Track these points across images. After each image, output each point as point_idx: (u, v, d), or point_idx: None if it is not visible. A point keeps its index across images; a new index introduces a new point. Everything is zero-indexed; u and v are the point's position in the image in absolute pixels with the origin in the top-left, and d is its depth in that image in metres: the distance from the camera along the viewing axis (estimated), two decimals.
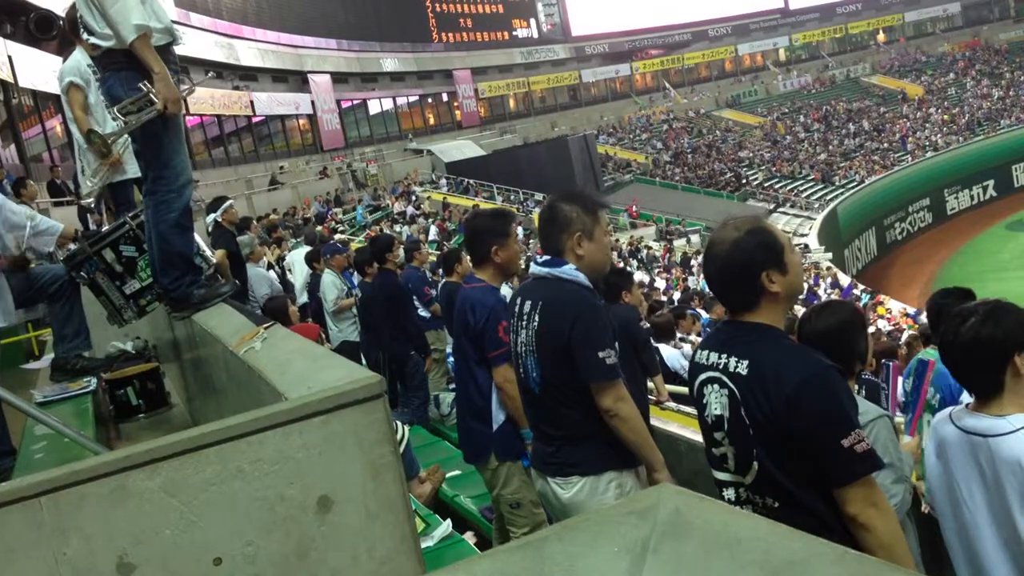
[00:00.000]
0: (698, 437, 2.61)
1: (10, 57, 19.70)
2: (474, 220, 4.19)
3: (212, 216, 7.95)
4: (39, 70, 19.91)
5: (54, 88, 18.58)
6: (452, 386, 7.79)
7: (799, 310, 8.19)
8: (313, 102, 42.53)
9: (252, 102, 38.60)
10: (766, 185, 43.09)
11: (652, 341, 8.12)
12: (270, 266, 11.10)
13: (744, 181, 43.18)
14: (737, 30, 60.50)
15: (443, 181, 38.23)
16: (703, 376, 2.46)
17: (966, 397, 2.92)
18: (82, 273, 4.14)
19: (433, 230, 27.74)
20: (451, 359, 7.92)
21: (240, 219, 9.12)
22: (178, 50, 3.83)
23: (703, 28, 59.78)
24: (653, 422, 4.53)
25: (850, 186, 42.44)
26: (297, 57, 42.19)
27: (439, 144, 44.21)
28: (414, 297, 8.39)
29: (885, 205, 42.04)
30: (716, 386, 2.40)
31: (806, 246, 32.10)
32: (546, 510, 3.69)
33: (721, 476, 2.47)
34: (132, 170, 5.27)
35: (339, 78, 44.87)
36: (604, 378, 3.03)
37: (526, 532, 3.89)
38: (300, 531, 1.64)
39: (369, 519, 1.68)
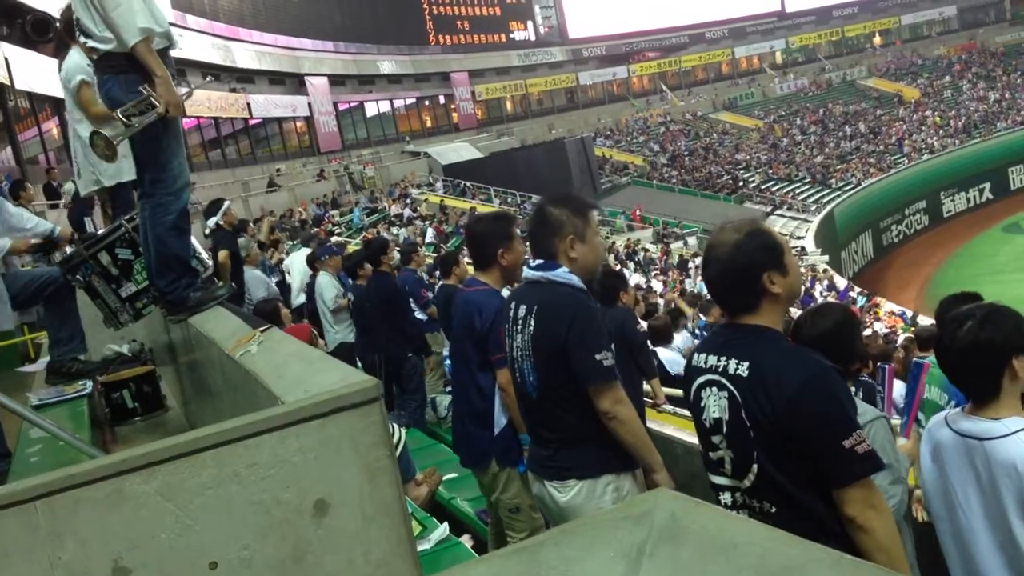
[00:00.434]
0: (695, 440, 2.61)
1: (6, 59, 19.67)
2: (477, 224, 4.18)
3: (213, 219, 7.97)
4: (36, 72, 19.88)
5: (50, 90, 18.70)
6: (449, 389, 7.80)
7: (794, 313, 8.20)
8: (310, 104, 42.51)
9: (249, 104, 38.59)
10: (763, 188, 43.13)
11: (650, 344, 8.15)
12: (271, 268, 11.13)
13: (741, 184, 43.23)
14: (734, 33, 60.58)
15: (440, 183, 38.22)
16: (701, 379, 2.46)
17: None
18: (78, 276, 4.13)
19: (430, 232, 27.75)
20: (447, 362, 7.93)
21: (238, 221, 9.14)
22: (174, 52, 3.83)
23: (700, 31, 59.85)
24: (650, 425, 4.53)
25: (847, 189, 42.49)
26: (294, 59, 42.18)
27: (436, 146, 44.22)
28: (411, 299, 8.40)
29: (881, 208, 42.09)
30: (715, 389, 2.40)
31: (803, 248, 32.13)
32: (543, 514, 3.69)
33: (718, 480, 2.47)
34: (133, 172, 5.26)
35: (336, 80, 44.87)
36: (602, 380, 3.03)
37: (524, 537, 3.89)
38: (296, 535, 1.64)
39: (365, 522, 1.68)
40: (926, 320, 19.94)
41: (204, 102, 33.66)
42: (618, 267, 21.86)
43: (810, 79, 57.71)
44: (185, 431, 1.79)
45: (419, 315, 8.56)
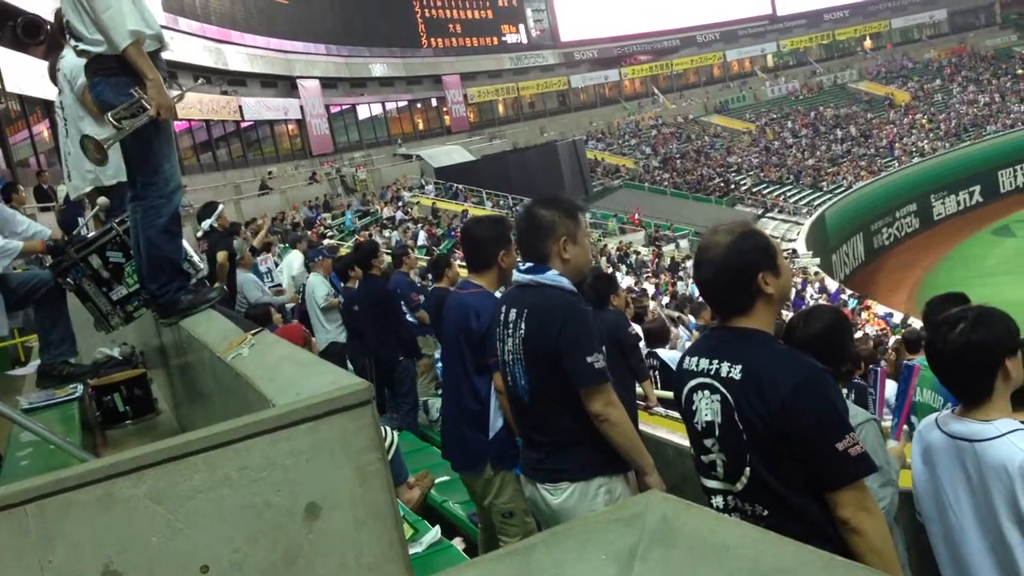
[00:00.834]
0: (686, 443, 2.61)
1: None
2: (476, 227, 4.14)
3: (207, 222, 7.96)
4: (26, 75, 19.81)
5: (41, 93, 18.61)
6: (441, 391, 7.79)
7: (785, 316, 8.21)
8: (302, 107, 42.45)
9: (240, 107, 38.52)
10: (754, 190, 43.24)
11: (648, 347, 8.16)
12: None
13: (732, 186, 43.32)
14: (725, 36, 60.73)
15: (431, 186, 38.21)
16: (693, 382, 2.46)
17: None
18: (68, 279, 4.11)
19: (422, 235, 27.72)
20: (439, 365, 7.92)
21: (230, 224, 9.15)
22: (165, 55, 3.81)
23: (692, 34, 59.98)
24: (642, 427, 4.53)
25: (838, 191, 42.63)
26: (286, 62, 42.12)
27: (428, 149, 44.21)
28: (401, 302, 8.39)
29: (872, 210, 42.22)
30: (707, 392, 2.40)
31: (794, 251, 32.22)
32: (535, 517, 3.68)
33: (710, 484, 2.46)
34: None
35: (328, 83, 44.83)
36: (593, 382, 3.03)
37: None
38: (288, 538, 1.63)
39: (357, 526, 1.68)
40: (919, 323, 19.97)
41: (195, 105, 33.59)
42: (610, 270, 21.87)
43: (801, 82, 57.88)
44: (176, 434, 1.78)
45: (408, 318, 8.55)
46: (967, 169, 45.56)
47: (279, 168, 38.42)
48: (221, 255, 7.65)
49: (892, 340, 14.68)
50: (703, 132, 51.85)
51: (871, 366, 5.53)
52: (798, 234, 35.97)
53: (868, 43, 62.51)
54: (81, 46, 3.59)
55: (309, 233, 21.74)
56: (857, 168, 45.20)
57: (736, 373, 2.33)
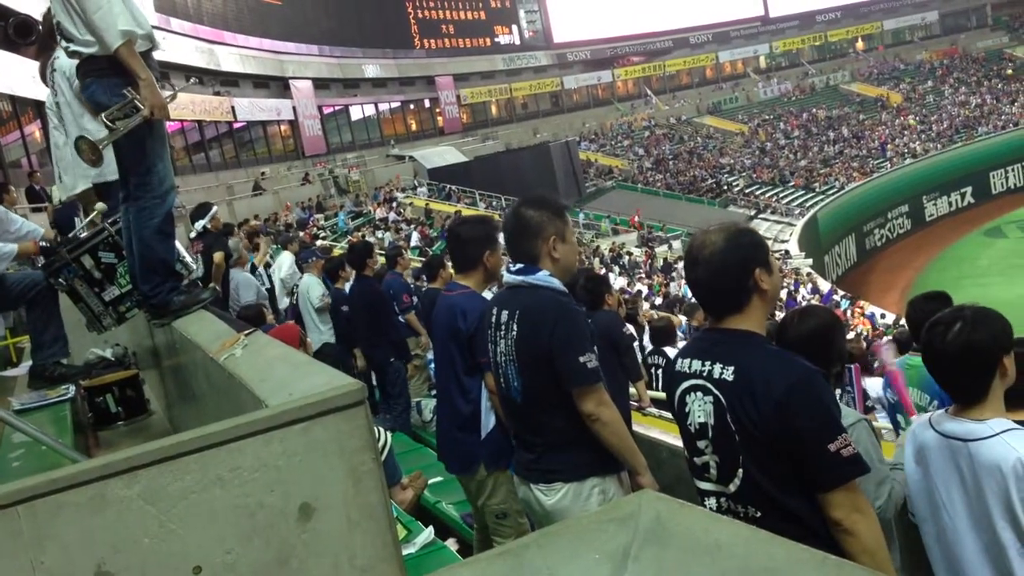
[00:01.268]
0: (680, 443, 2.61)
1: None
2: (462, 227, 4.13)
3: (200, 222, 7.96)
4: (18, 75, 19.74)
5: (33, 94, 18.54)
6: (434, 392, 7.78)
7: (778, 316, 8.22)
8: (295, 108, 42.40)
9: (233, 108, 38.42)
10: (747, 191, 43.29)
11: (655, 345, 8.17)
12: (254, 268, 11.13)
13: (725, 187, 43.37)
14: (718, 37, 60.84)
15: (424, 187, 38.19)
16: (685, 384, 2.46)
17: None
18: (60, 279, 4.09)
19: (415, 236, 27.71)
20: (431, 365, 7.92)
21: (223, 225, 9.15)
22: (157, 55, 3.80)
23: (684, 35, 60.06)
24: (635, 428, 4.53)
25: (830, 192, 42.67)
26: (279, 63, 42.04)
27: (421, 150, 44.19)
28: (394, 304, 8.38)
29: (865, 211, 42.28)
30: (700, 393, 2.40)
31: (786, 252, 32.27)
32: (529, 517, 3.68)
33: (703, 485, 2.47)
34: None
35: (321, 84, 44.77)
36: (586, 382, 3.03)
37: None
38: (280, 539, 1.63)
39: (350, 526, 1.67)
40: None
41: (188, 105, 33.50)
42: (603, 271, 21.88)
43: (794, 83, 57.99)
44: (169, 435, 1.78)
45: (401, 319, 8.55)
46: (959, 170, 45.66)
47: (272, 169, 38.35)
48: (218, 255, 7.65)
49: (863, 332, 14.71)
50: (696, 133, 51.89)
51: (846, 364, 5.55)
52: (790, 235, 36.01)
53: (860, 45, 62.67)
54: (72, 47, 3.57)
55: (302, 234, 21.70)
56: (849, 169, 45.28)
57: (728, 374, 2.33)
